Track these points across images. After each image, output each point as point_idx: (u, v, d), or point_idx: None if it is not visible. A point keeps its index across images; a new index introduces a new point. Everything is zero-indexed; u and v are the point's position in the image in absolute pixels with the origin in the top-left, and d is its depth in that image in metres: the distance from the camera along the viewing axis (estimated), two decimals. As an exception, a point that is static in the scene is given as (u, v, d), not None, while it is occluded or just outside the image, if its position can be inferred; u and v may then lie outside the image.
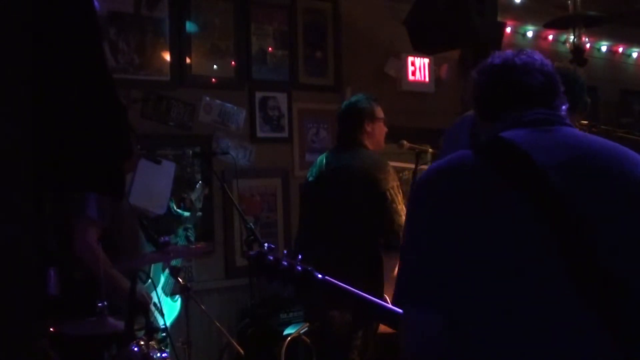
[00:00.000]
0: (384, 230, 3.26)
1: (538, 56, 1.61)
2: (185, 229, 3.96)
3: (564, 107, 1.61)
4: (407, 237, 1.49)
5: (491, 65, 1.62)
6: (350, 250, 3.28)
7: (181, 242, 3.90)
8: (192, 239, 3.96)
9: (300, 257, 1.81)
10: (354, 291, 1.82)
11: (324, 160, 3.52)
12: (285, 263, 1.77)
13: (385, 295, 3.19)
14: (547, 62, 1.61)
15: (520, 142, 1.46)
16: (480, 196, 1.41)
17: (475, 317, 1.39)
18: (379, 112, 3.53)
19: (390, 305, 1.70)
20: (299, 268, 1.77)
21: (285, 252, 1.81)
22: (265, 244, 1.84)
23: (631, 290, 1.37)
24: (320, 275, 1.78)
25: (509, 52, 1.62)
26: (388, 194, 3.26)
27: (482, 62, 1.66)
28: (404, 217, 3.25)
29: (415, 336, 1.43)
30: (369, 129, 3.46)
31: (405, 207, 3.27)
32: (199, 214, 4.25)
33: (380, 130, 3.53)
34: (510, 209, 1.39)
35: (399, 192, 3.33)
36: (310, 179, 3.54)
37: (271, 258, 1.77)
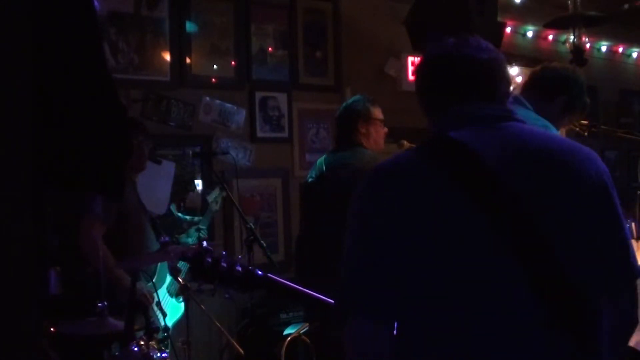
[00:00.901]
0: None
1: (475, 42, 1.51)
2: (198, 230, 3.95)
3: (509, 91, 1.51)
4: (350, 242, 1.41)
5: (429, 58, 1.55)
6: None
7: (192, 242, 3.89)
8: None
9: (239, 257, 1.75)
10: (297, 288, 1.75)
11: (323, 162, 3.52)
12: (225, 264, 1.68)
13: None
14: (485, 47, 1.51)
15: (468, 142, 1.39)
16: (428, 200, 1.34)
17: (426, 323, 1.34)
18: (376, 113, 3.51)
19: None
20: (239, 268, 1.68)
21: (224, 252, 1.73)
22: (204, 243, 1.75)
23: (585, 291, 1.34)
24: (260, 273, 1.70)
25: (449, 41, 1.52)
26: None
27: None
28: None
29: (360, 347, 1.38)
30: (363, 130, 3.45)
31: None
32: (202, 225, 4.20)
33: (376, 130, 3.51)
34: (460, 212, 1.33)
35: None
36: (310, 180, 3.54)
37: (209, 260, 1.68)
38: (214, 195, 4.04)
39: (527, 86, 2.86)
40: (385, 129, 3.57)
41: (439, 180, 1.36)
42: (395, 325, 1.38)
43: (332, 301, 1.60)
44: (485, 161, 1.36)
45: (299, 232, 3.73)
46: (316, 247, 3.40)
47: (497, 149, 1.39)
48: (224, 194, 4.06)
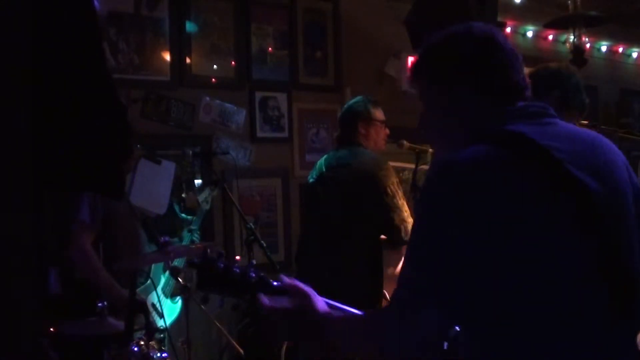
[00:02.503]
0: (386, 226, 3.27)
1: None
2: (190, 231, 3.95)
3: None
4: (423, 233, 1.39)
5: (504, 45, 1.53)
6: (353, 248, 3.29)
7: (185, 243, 3.89)
8: (197, 241, 3.94)
9: (253, 262, 1.62)
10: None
11: (324, 162, 3.53)
12: (237, 270, 1.51)
13: (385, 292, 3.20)
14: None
15: (535, 136, 1.40)
16: (511, 193, 1.34)
17: (499, 316, 1.34)
18: (376, 115, 3.53)
19: (354, 310, 1.58)
20: (253, 275, 1.53)
21: (237, 257, 1.58)
22: (213, 249, 1.56)
23: None
24: (276, 283, 1.55)
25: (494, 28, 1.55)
26: (389, 189, 3.28)
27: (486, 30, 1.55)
28: (405, 213, 3.26)
29: (416, 337, 1.35)
30: (363, 131, 3.46)
31: (405, 202, 3.29)
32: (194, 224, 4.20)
33: (376, 131, 3.52)
34: (544, 204, 1.34)
35: (399, 188, 3.34)
36: (311, 180, 3.55)
37: (222, 265, 1.50)
38: (205, 195, 4.04)
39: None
40: (387, 130, 3.59)
41: (518, 172, 1.36)
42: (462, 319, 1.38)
43: (347, 308, 1.58)
44: (553, 154, 1.38)
45: (301, 233, 3.74)
46: (317, 246, 3.41)
47: (557, 142, 1.41)
48: (215, 192, 4.06)
